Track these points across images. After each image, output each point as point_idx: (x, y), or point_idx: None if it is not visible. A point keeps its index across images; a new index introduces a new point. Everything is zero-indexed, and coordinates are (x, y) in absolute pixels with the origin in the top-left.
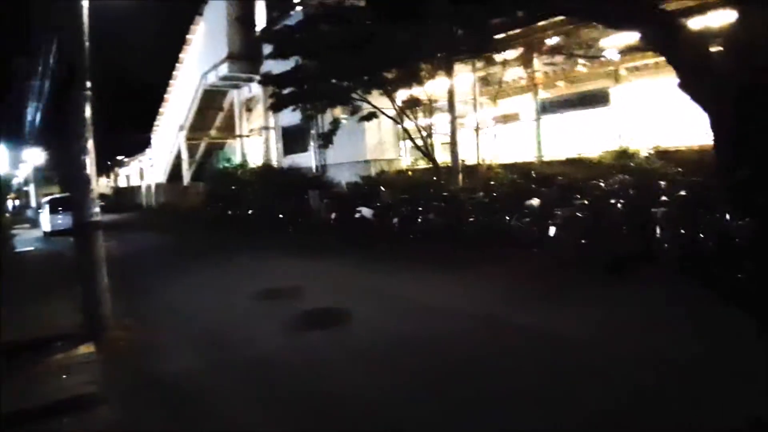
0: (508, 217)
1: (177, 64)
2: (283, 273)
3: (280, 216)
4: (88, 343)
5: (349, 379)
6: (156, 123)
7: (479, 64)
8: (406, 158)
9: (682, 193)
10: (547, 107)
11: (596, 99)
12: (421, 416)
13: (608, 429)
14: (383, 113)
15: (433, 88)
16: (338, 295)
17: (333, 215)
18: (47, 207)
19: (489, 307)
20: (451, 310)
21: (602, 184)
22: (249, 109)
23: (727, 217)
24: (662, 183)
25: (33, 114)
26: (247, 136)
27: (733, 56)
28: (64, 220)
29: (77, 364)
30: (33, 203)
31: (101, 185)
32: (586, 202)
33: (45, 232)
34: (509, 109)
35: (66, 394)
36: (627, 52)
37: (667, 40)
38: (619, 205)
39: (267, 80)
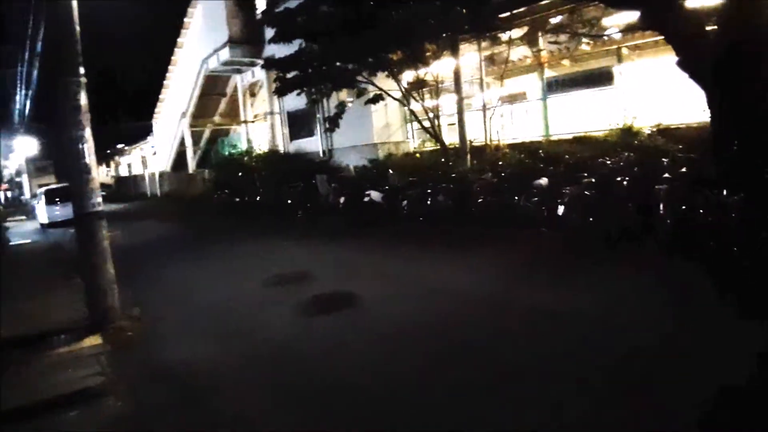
0: (516, 197)
1: (176, 49)
2: (292, 258)
3: (288, 201)
4: (95, 334)
5: (362, 361)
6: (156, 110)
7: (485, 44)
8: (413, 140)
9: (683, 170)
10: (553, 86)
11: (601, 78)
12: (435, 396)
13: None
14: (389, 95)
15: (439, 68)
16: (349, 279)
17: (341, 199)
18: (43, 198)
19: (500, 287)
20: (461, 291)
21: (608, 162)
22: (253, 94)
23: (724, 192)
24: (664, 160)
25: (22, 102)
26: (252, 121)
27: (726, 33)
28: (61, 211)
29: (83, 357)
30: (27, 194)
31: (101, 175)
32: (593, 180)
33: (41, 224)
34: (516, 89)
35: (72, 387)
36: (628, 31)
37: (665, 19)
38: (624, 183)
39: (270, 64)
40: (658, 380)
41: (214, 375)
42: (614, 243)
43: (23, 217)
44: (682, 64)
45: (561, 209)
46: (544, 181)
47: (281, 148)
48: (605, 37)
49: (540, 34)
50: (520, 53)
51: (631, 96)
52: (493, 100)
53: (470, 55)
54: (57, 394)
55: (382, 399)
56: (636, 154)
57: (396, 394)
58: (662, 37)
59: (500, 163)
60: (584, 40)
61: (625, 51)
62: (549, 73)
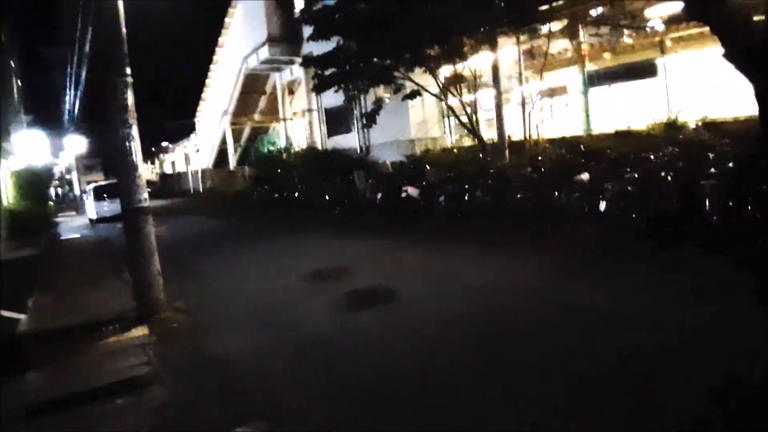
0: (556, 193)
1: (217, 49)
2: (330, 254)
3: (326, 197)
4: (142, 325)
5: (400, 356)
6: (199, 109)
7: (524, 37)
8: (450, 136)
9: (730, 165)
10: (594, 79)
11: (643, 70)
12: (473, 391)
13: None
14: (426, 91)
15: (477, 63)
16: (387, 275)
17: (378, 195)
18: (92, 194)
19: (540, 285)
20: (498, 288)
21: (651, 157)
22: (291, 92)
23: None
24: (710, 155)
25: (71, 102)
26: (291, 119)
27: None
28: (109, 207)
29: (131, 347)
30: (76, 191)
31: (147, 172)
32: (635, 175)
33: (90, 219)
34: (556, 83)
35: (120, 376)
36: (672, 22)
37: (711, 10)
38: (668, 178)
39: (308, 62)
40: (697, 379)
41: (255, 366)
42: (658, 240)
43: (73, 213)
44: (729, 56)
45: (603, 205)
46: (585, 176)
47: (319, 145)
48: (648, 29)
49: (580, 26)
50: (560, 46)
51: (675, 89)
52: (533, 95)
53: (509, 49)
54: (106, 383)
55: (417, 393)
56: (680, 148)
57: (431, 389)
58: (707, 28)
59: (540, 158)
60: (626, 32)
61: (668, 43)
62: (590, 67)
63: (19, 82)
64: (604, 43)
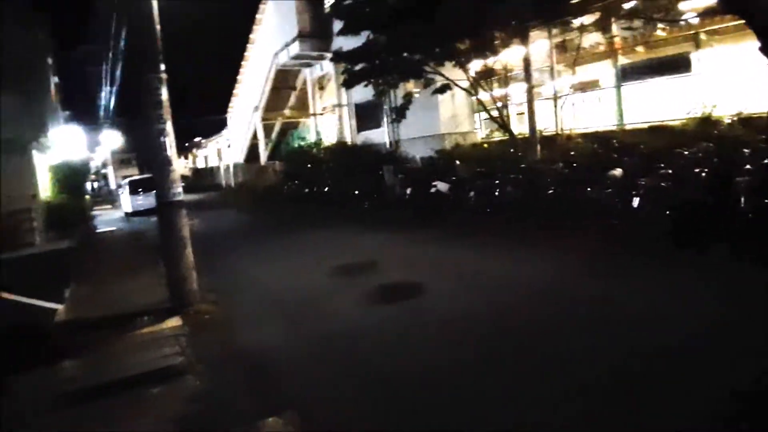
0: (588, 189)
1: (248, 45)
2: (359, 248)
3: (356, 192)
4: (175, 317)
5: (427, 350)
6: (230, 104)
7: (555, 31)
8: (481, 130)
9: (766, 162)
10: (627, 73)
11: (677, 64)
12: (499, 387)
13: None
14: (457, 85)
15: (508, 56)
16: (415, 270)
17: (408, 190)
18: (127, 188)
19: (571, 282)
20: (531, 286)
21: (686, 153)
22: (321, 87)
23: None
24: (746, 151)
25: (107, 98)
26: (321, 114)
27: None
28: (144, 201)
29: (165, 337)
30: (112, 185)
31: (180, 166)
32: (669, 171)
33: (125, 213)
34: (588, 77)
35: (155, 365)
36: (707, 15)
37: (746, 3)
38: (702, 174)
39: (338, 57)
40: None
41: (286, 357)
42: (691, 238)
43: (109, 206)
44: (765, 50)
45: (635, 201)
46: (618, 171)
47: (349, 140)
48: (682, 22)
49: (613, 19)
50: (592, 40)
51: (710, 83)
52: (565, 89)
53: (540, 43)
54: (141, 372)
55: (444, 387)
56: (715, 144)
57: (458, 384)
58: (743, 21)
59: (572, 153)
60: (659, 25)
61: (703, 36)
62: (623, 60)
63: (56, 78)
64: (637, 37)
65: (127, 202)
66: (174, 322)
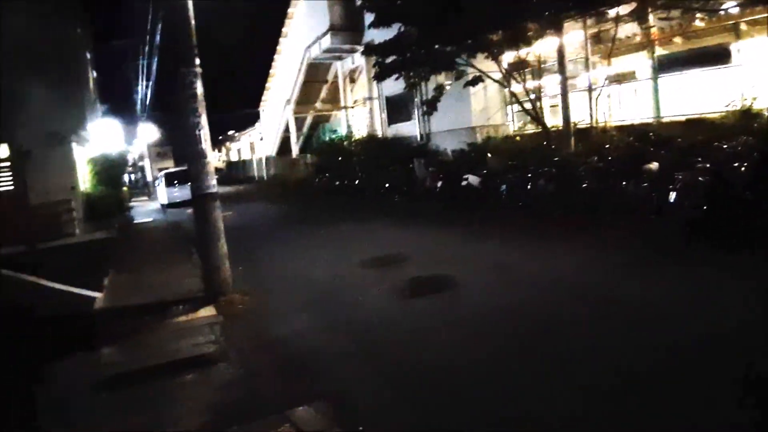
0: (624, 183)
1: (280, 38)
2: (389, 241)
3: (386, 185)
4: (209, 306)
5: (454, 343)
6: (263, 98)
7: (590, 21)
8: (513, 123)
9: None
10: (664, 65)
11: (717, 56)
12: (528, 381)
13: None
14: (489, 77)
15: (542, 48)
16: (445, 263)
17: (438, 183)
18: (163, 180)
19: (605, 279)
20: (558, 280)
21: (725, 147)
22: (353, 80)
23: None
24: None
25: (143, 92)
26: (352, 107)
27: None
28: (179, 193)
29: (199, 326)
30: (149, 177)
31: (214, 159)
32: (707, 165)
33: (162, 204)
34: (624, 68)
35: (189, 353)
36: (748, 4)
37: None
38: (742, 169)
39: (369, 50)
40: None
41: (318, 347)
42: (729, 235)
43: (145, 198)
44: None
45: (672, 196)
46: (654, 165)
47: (379, 133)
48: (722, 12)
49: (650, 9)
50: (628, 30)
51: (751, 75)
52: (600, 80)
53: (575, 34)
54: (176, 359)
55: (474, 381)
56: (756, 138)
57: (487, 377)
58: None
59: (607, 146)
60: (698, 15)
61: (743, 27)
62: (660, 51)
63: (94, 73)
64: (674, 27)
65: (163, 194)
66: (208, 311)
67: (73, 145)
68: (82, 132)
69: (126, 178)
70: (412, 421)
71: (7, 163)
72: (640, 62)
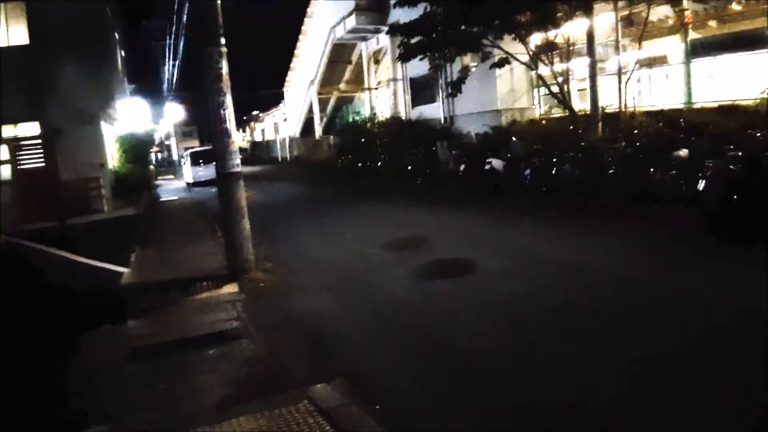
0: (652, 170)
1: (305, 18)
2: (411, 223)
3: (409, 168)
4: (232, 283)
5: (472, 325)
6: (288, 78)
7: (622, 3)
8: (539, 107)
9: None
10: (697, 49)
11: (753, 40)
12: (546, 366)
13: None
14: (515, 59)
15: (571, 30)
16: (467, 247)
17: (462, 167)
18: (189, 159)
19: (619, 266)
20: (581, 267)
21: (758, 135)
22: (377, 61)
23: None
24: None
25: (170, 72)
26: (376, 88)
27: None
28: (204, 172)
29: (222, 303)
30: (174, 156)
31: (239, 139)
32: (739, 154)
33: (187, 183)
34: (655, 52)
35: (213, 328)
36: None
37: None
38: None
39: (395, 30)
40: None
41: (337, 324)
42: (759, 227)
43: (171, 177)
44: None
45: (701, 184)
46: (684, 152)
47: (403, 115)
48: None
49: None
50: (661, 13)
51: None
52: (630, 64)
53: (605, 16)
54: (199, 334)
55: (484, 363)
56: None
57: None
58: None
59: (635, 131)
60: None
61: None
62: (693, 35)
63: (122, 52)
64: (709, 11)
65: (188, 173)
66: (231, 288)
67: (102, 123)
68: (111, 111)
69: (152, 156)
70: (429, 403)
71: (39, 141)
72: (673, 46)
